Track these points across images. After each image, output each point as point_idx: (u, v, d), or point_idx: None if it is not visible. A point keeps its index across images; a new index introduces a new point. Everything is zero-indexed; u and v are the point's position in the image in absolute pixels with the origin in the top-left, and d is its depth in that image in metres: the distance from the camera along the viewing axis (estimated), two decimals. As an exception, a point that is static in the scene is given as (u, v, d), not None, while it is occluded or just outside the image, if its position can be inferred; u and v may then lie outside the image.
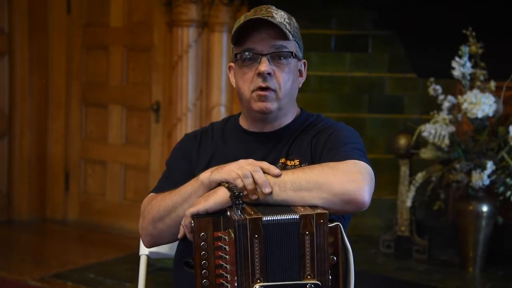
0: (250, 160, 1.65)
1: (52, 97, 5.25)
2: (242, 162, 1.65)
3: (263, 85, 1.81)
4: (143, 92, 4.89)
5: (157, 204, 1.78)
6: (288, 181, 1.61)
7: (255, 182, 1.60)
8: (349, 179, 1.60)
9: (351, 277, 1.60)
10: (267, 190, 1.60)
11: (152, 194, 1.88)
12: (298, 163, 1.80)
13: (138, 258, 2.12)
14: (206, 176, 1.67)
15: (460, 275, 3.85)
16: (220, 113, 4.35)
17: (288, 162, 1.81)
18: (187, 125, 4.36)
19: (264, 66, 1.80)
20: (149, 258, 2.11)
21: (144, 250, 2.09)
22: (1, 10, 5.06)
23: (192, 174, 1.81)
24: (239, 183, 1.60)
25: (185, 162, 1.93)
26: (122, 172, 5.04)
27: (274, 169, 1.64)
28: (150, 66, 4.85)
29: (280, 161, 1.82)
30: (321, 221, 1.49)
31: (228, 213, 1.53)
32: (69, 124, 5.23)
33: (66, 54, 5.19)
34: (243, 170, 1.61)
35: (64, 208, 5.25)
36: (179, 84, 4.39)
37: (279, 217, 1.49)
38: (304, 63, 1.94)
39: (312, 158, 1.81)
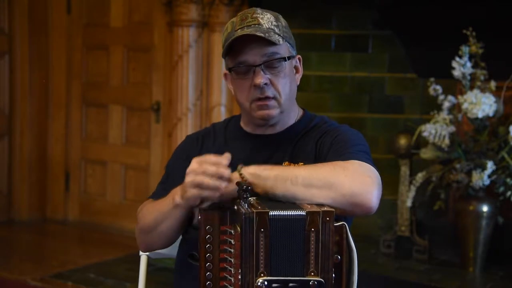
0: (196, 168, 1.61)
1: (52, 97, 5.26)
2: (190, 175, 1.61)
3: (262, 96, 1.79)
4: (143, 92, 4.90)
5: (144, 217, 1.80)
6: (300, 176, 1.60)
7: (210, 186, 1.57)
8: (359, 182, 1.60)
9: (354, 277, 1.60)
10: (223, 185, 1.58)
11: (149, 200, 1.88)
12: (302, 165, 1.77)
13: (138, 258, 2.12)
14: (179, 199, 1.66)
15: (460, 275, 3.84)
16: (220, 113, 4.35)
17: (292, 165, 1.78)
18: (187, 125, 4.36)
19: (259, 78, 1.77)
20: (149, 258, 2.10)
21: (144, 250, 2.10)
22: (1, 10, 5.07)
23: None
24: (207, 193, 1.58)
25: (187, 164, 1.91)
26: (122, 172, 5.04)
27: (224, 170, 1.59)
28: (150, 66, 4.85)
29: (284, 164, 1.79)
30: (327, 219, 1.50)
31: (235, 207, 1.54)
32: (69, 124, 5.23)
33: (66, 54, 5.19)
34: (196, 181, 1.59)
35: (64, 208, 5.25)
36: (179, 84, 4.39)
37: (285, 213, 1.49)
38: (299, 58, 1.90)
39: (317, 160, 1.79)
